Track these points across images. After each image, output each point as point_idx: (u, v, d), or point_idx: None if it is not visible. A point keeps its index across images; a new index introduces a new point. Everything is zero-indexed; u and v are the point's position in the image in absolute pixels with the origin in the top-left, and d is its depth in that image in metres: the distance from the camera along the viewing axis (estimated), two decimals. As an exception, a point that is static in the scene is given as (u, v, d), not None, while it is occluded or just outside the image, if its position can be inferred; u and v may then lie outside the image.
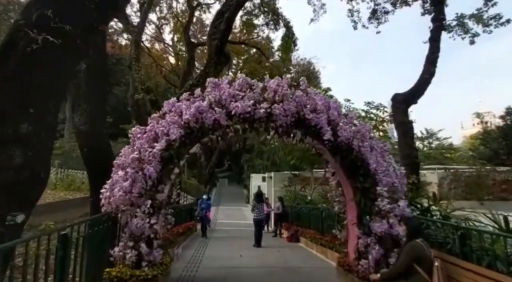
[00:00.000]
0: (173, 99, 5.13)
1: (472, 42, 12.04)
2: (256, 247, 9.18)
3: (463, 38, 11.93)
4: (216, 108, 4.71)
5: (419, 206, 5.79)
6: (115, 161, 4.66)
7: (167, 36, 37.37)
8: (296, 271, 6.26)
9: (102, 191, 4.61)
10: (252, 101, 4.74)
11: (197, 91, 5.13)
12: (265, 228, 12.34)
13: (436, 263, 3.44)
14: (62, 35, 3.01)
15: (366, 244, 4.94)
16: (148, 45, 27.86)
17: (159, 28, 27.82)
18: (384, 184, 4.88)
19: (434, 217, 5.59)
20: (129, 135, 4.81)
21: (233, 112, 4.70)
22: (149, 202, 4.30)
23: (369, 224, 4.84)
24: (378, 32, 15.40)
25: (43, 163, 3.18)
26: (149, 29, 27.70)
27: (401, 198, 5.06)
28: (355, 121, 5.46)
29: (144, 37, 26.11)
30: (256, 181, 24.81)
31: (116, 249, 4.33)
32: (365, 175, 5.12)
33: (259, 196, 10.38)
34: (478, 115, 17.61)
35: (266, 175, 20.61)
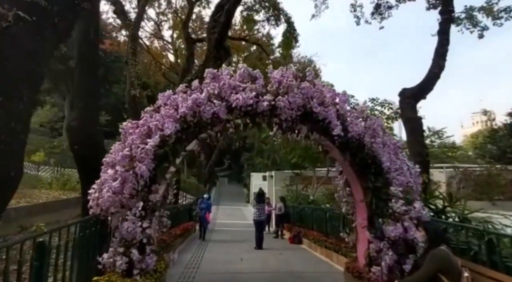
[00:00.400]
0: (169, 91, 4.72)
1: (481, 36, 11.64)
2: (257, 249, 8.79)
3: (471, 32, 11.53)
4: (215, 101, 4.30)
5: (433, 207, 5.39)
6: (104, 159, 4.26)
7: (166, 33, 36.92)
8: (301, 277, 5.87)
9: (90, 191, 4.21)
10: (254, 93, 4.33)
11: (195, 83, 4.72)
12: (266, 228, 11.94)
13: (466, 274, 3.05)
14: (37, 11, 2.60)
15: (378, 249, 4.54)
16: (148, 42, 27.43)
17: (158, 25, 27.39)
18: (399, 184, 4.47)
19: (450, 219, 5.22)
20: (120, 130, 4.40)
21: (233, 105, 4.29)
22: (141, 203, 3.90)
23: (382, 227, 4.44)
24: (381, 28, 15.02)
25: (13, 159, 2.78)
26: (148, 26, 27.28)
27: (416, 198, 4.67)
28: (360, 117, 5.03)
29: (143, 35, 25.73)
30: (256, 180, 24.44)
31: (105, 255, 3.93)
32: (377, 173, 4.71)
33: (260, 196, 9.98)
34: (485, 112, 17.09)
35: (266, 174, 20.21)
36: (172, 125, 4.09)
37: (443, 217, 5.34)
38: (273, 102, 4.31)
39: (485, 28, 11.37)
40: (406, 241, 4.35)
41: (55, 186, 12.66)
